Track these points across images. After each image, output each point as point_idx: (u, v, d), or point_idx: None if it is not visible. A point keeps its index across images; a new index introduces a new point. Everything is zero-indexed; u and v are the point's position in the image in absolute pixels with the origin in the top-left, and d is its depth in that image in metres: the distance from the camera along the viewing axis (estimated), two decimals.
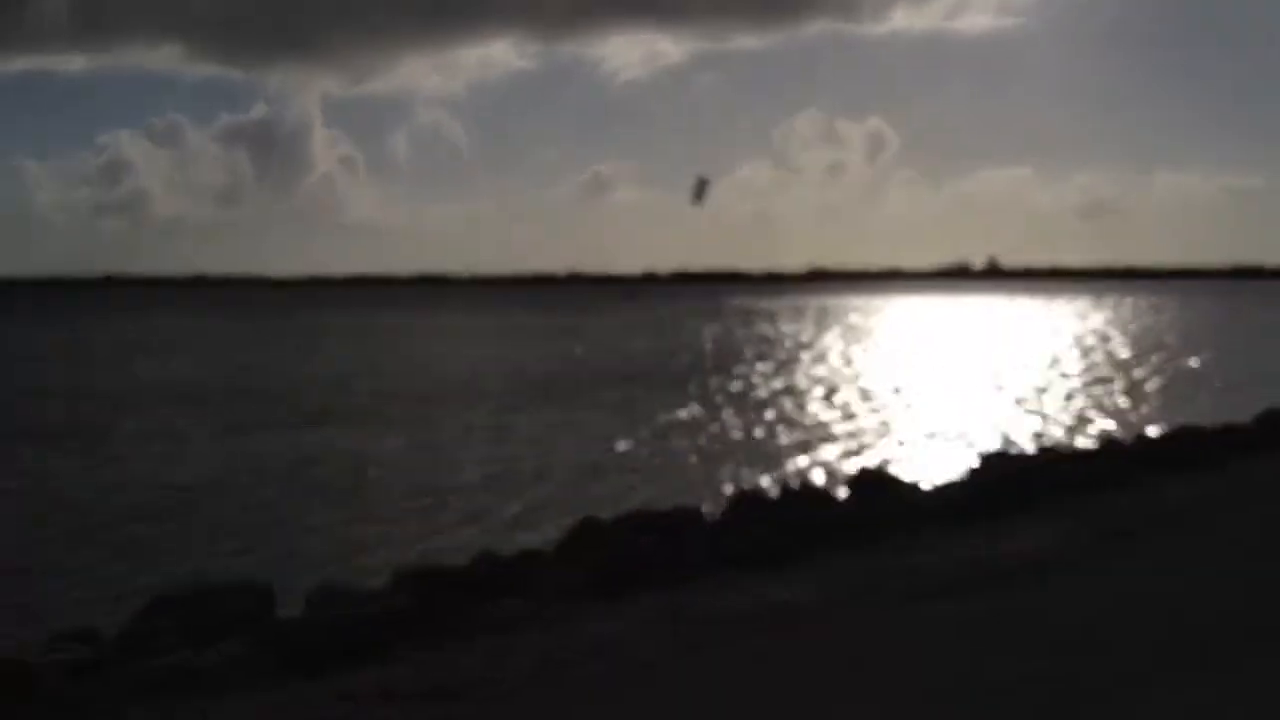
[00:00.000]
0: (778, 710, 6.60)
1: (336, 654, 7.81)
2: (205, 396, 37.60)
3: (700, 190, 21.71)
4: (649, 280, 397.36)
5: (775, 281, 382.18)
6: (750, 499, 12.53)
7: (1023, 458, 16.02)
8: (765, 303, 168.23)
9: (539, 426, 29.03)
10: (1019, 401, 34.96)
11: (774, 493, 14.06)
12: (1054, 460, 15.44)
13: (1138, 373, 44.55)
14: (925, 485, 15.79)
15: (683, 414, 31.42)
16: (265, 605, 8.79)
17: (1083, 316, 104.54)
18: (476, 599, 9.06)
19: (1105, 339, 67.54)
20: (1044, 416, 31.21)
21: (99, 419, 31.00)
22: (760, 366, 49.58)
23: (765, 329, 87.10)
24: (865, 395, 37.22)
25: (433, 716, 6.61)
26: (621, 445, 25.63)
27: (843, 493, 13.57)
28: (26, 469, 22.93)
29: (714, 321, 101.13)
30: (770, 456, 24.22)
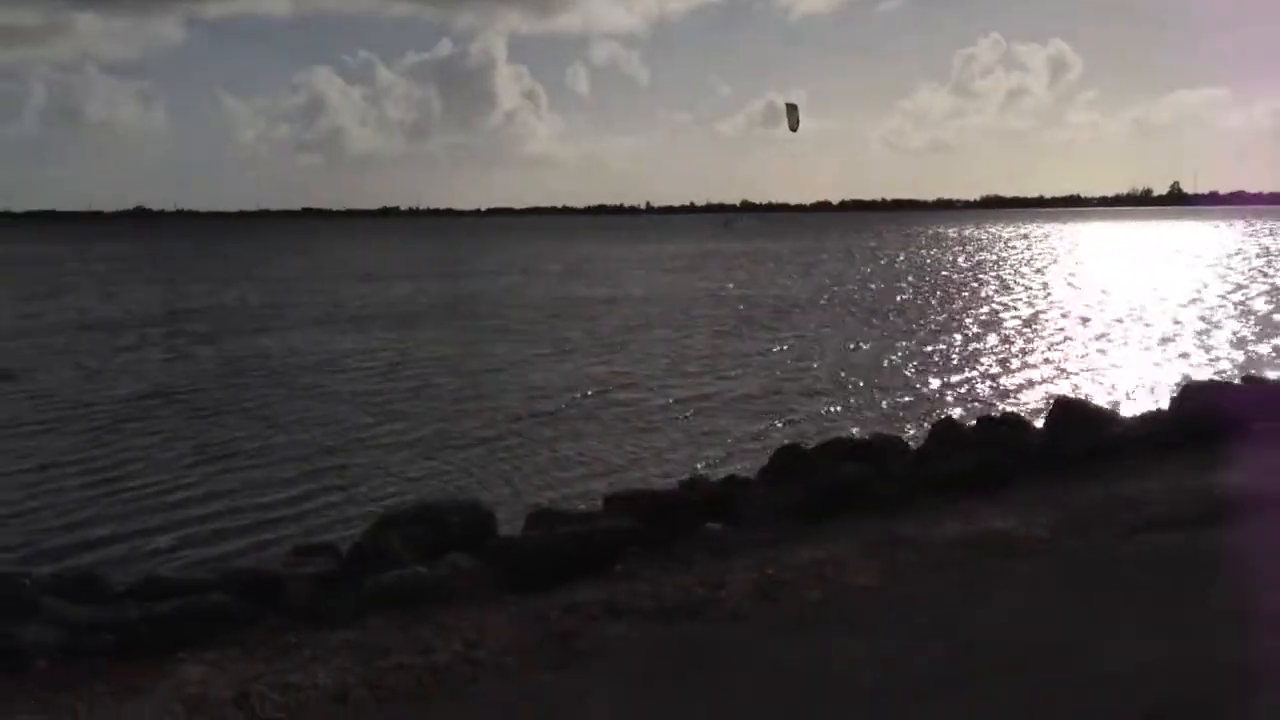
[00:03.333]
0: (1006, 633, 6.48)
1: (559, 571, 8.06)
2: (424, 317, 38.92)
3: (793, 116, 21.42)
4: (821, 209, 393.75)
5: (949, 209, 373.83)
6: (950, 427, 12.39)
7: (1227, 386, 15.36)
8: (944, 230, 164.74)
9: (735, 353, 29.17)
10: (1216, 329, 33.65)
11: (974, 421, 13.87)
12: (1260, 389, 14.83)
13: None
14: (1127, 415, 15.37)
15: (876, 342, 31.16)
16: (487, 524, 9.09)
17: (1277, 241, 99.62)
18: (687, 522, 9.24)
19: None
20: (1244, 344, 29.99)
21: (331, 343, 32.46)
22: (951, 294, 48.76)
23: (950, 256, 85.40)
24: (1057, 322, 36.33)
25: (663, 634, 6.72)
26: (816, 373, 25.53)
27: (1043, 422, 13.30)
28: (261, 396, 23.91)
29: (895, 249, 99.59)
30: (968, 385, 23.87)
